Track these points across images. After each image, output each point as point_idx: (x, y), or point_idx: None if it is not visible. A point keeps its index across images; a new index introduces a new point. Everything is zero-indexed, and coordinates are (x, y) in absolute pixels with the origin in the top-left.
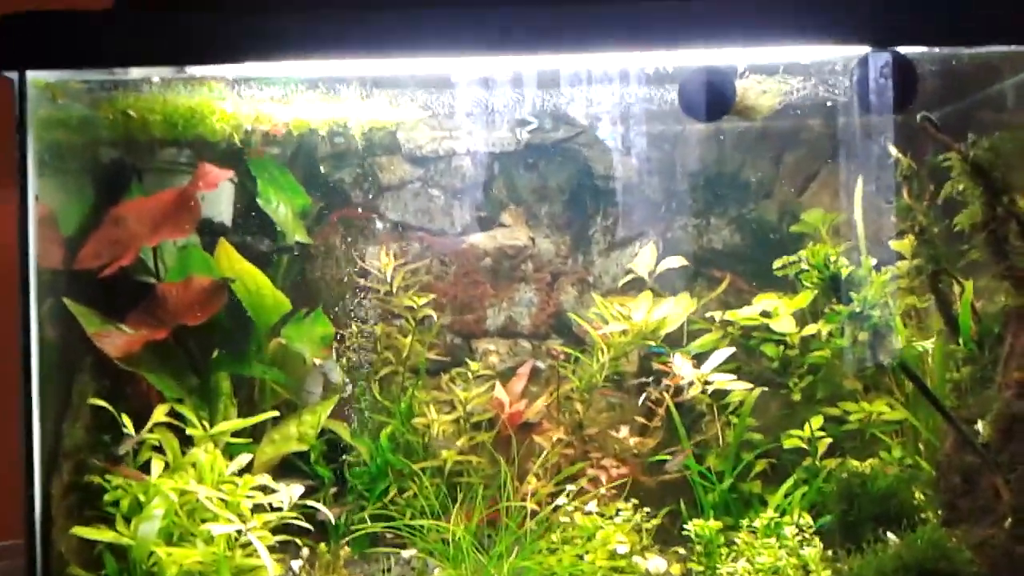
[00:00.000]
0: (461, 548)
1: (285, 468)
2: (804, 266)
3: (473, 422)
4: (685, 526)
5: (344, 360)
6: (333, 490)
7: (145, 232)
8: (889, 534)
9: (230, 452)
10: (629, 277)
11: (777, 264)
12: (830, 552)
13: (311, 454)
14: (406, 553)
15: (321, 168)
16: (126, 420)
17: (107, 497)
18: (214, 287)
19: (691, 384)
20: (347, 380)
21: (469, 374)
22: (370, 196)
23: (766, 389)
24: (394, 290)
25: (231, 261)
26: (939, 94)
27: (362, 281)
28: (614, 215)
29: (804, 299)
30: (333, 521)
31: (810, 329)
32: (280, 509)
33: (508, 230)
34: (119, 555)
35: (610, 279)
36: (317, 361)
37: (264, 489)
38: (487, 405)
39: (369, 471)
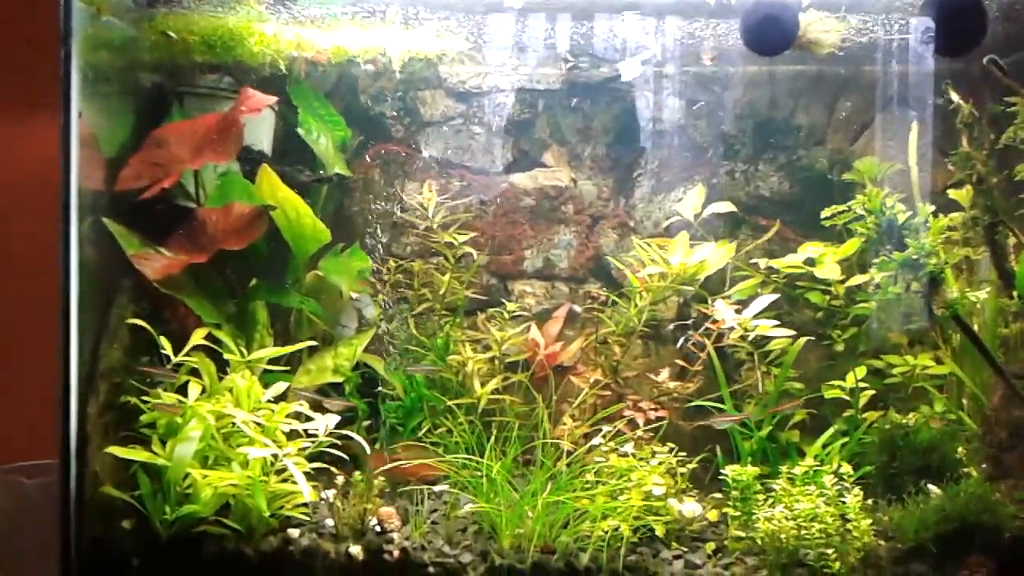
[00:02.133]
0: (495, 483)
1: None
2: (860, 212)
3: (508, 362)
4: (722, 472)
5: (380, 296)
6: (367, 423)
7: (187, 155)
8: (931, 486)
9: (266, 381)
10: (673, 219)
11: (826, 213)
12: (870, 502)
13: (346, 387)
14: (437, 488)
15: (361, 100)
16: (164, 342)
17: (143, 418)
18: (255, 214)
19: (732, 330)
20: (382, 316)
21: (505, 314)
22: (411, 130)
23: (811, 339)
24: (434, 226)
25: (273, 188)
26: (1005, 40)
27: (402, 216)
28: (659, 159)
29: (852, 247)
30: (368, 451)
31: (857, 279)
32: (315, 437)
33: (549, 170)
34: (153, 476)
35: (652, 224)
36: (354, 295)
37: (300, 416)
38: (522, 346)
39: (403, 405)
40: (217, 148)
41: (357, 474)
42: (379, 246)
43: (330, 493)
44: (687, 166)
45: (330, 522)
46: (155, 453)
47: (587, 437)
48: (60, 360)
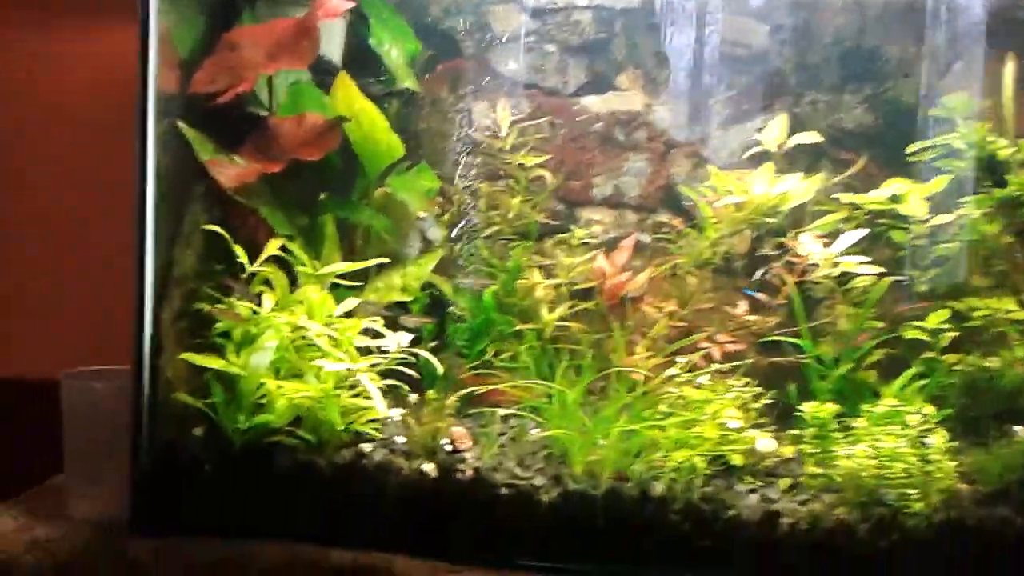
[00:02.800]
0: (566, 409)
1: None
2: (959, 145)
3: (576, 290)
4: (796, 408)
5: (447, 216)
6: (433, 343)
7: (262, 59)
8: (1017, 427)
9: (334, 296)
10: (755, 150)
11: (912, 148)
12: (955, 444)
13: (413, 307)
14: (503, 412)
15: (432, 12)
16: (240, 251)
17: (218, 327)
18: (329, 124)
19: (816, 266)
20: (449, 237)
21: (573, 241)
22: (482, 47)
23: (901, 279)
24: (507, 147)
25: (349, 98)
26: None
27: (472, 135)
28: (739, 85)
29: (939, 184)
30: (440, 369)
31: (942, 218)
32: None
33: (623, 94)
34: (227, 385)
35: (727, 153)
36: (422, 214)
37: (371, 333)
38: (589, 275)
39: (471, 327)
40: (293, 52)
41: (431, 392)
42: (448, 165)
43: (400, 411)
44: (767, 95)
45: (401, 439)
46: (229, 361)
47: (658, 368)
48: (135, 264)
